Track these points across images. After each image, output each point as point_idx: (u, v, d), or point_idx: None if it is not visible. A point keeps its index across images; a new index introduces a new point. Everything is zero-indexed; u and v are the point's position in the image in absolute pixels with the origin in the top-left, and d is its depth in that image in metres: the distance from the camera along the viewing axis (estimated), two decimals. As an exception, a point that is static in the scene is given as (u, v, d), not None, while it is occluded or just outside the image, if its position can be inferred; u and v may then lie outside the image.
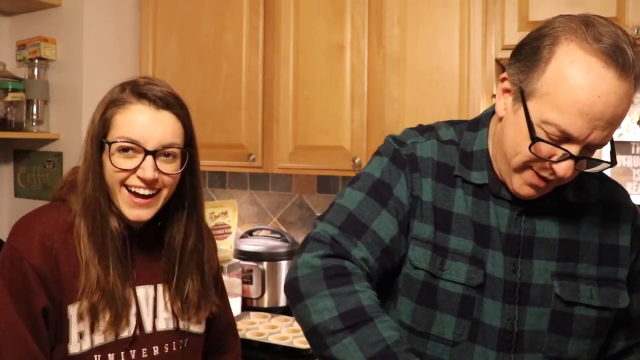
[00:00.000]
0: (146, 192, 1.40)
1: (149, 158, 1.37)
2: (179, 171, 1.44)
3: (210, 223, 2.73)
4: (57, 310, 1.36)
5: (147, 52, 2.91)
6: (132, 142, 1.37)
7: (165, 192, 1.43)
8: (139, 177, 1.38)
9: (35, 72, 2.79)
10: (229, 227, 2.79)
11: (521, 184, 1.21)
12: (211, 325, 1.63)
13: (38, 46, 2.76)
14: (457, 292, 1.25)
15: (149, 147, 1.37)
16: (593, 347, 1.28)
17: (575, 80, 1.08)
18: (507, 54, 2.26)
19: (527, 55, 1.16)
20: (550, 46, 1.12)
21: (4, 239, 2.90)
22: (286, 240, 2.85)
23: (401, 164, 1.31)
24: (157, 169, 1.38)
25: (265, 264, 2.74)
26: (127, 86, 1.41)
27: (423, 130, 1.38)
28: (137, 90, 1.39)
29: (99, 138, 1.39)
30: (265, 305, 2.77)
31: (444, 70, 2.32)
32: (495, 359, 1.24)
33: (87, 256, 1.37)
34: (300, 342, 2.34)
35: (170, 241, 1.49)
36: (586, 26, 1.10)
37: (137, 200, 1.39)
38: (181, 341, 1.51)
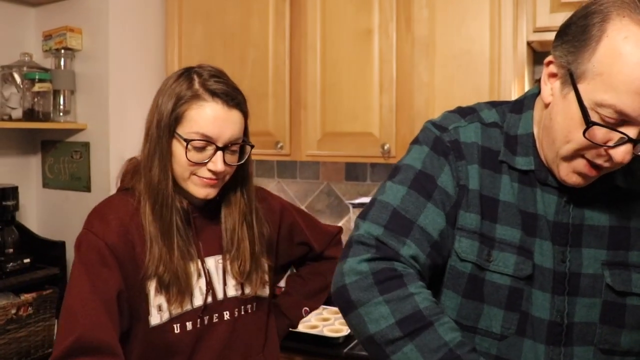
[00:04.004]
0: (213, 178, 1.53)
1: (220, 153, 1.50)
2: (240, 162, 1.58)
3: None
4: (134, 288, 1.47)
5: (173, 40, 2.89)
6: (207, 138, 1.48)
7: (227, 177, 1.58)
8: (209, 170, 1.50)
9: (62, 63, 2.79)
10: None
11: (569, 172, 1.15)
12: (304, 257, 1.89)
13: (64, 36, 2.75)
14: (504, 284, 1.19)
15: (220, 143, 1.49)
16: None
17: (631, 57, 1.01)
18: (538, 37, 2.21)
19: (575, 35, 1.09)
20: (601, 23, 1.05)
21: (34, 230, 2.93)
22: (314, 229, 2.80)
23: (443, 152, 1.25)
24: (225, 162, 1.50)
25: (293, 253, 2.70)
26: (196, 78, 1.50)
27: (464, 112, 1.32)
28: (208, 86, 1.49)
29: (171, 128, 1.49)
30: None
31: (474, 53, 2.28)
32: (545, 353, 1.19)
33: (151, 234, 1.49)
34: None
35: (227, 217, 1.63)
36: None
37: (207, 181, 1.52)
38: (249, 305, 1.66)
